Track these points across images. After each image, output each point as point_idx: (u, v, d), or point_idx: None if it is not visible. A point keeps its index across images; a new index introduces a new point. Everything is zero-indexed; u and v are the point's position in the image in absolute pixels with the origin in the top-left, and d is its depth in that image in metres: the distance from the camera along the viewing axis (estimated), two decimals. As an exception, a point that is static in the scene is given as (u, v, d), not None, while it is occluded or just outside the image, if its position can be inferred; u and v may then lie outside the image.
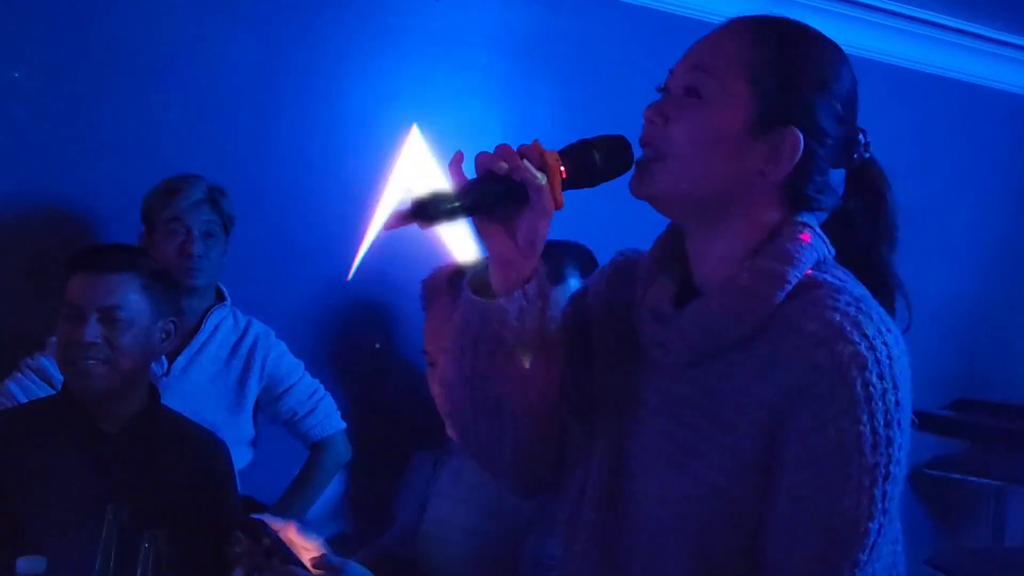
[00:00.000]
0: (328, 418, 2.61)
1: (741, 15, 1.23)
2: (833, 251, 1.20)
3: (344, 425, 2.65)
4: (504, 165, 1.12)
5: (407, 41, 2.96)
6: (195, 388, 2.42)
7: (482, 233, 1.17)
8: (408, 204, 1.11)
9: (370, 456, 2.81)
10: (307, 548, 1.66)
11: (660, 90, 1.22)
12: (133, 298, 1.91)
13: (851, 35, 3.68)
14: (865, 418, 1.06)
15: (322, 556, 1.60)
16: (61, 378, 2.03)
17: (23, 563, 1.49)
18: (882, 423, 1.07)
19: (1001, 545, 3.85)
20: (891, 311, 1.18)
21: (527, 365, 1.19)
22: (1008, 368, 3.73)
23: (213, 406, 2.41)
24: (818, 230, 1.19)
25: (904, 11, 3.69)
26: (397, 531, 2.03)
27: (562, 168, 1.15)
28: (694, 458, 1.15)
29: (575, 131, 3.31)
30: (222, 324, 2.50)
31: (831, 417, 1.06)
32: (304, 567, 1.54)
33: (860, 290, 1.14)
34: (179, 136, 2.67)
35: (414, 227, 3.05)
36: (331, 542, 2.40)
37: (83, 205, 2.56)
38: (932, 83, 3.92)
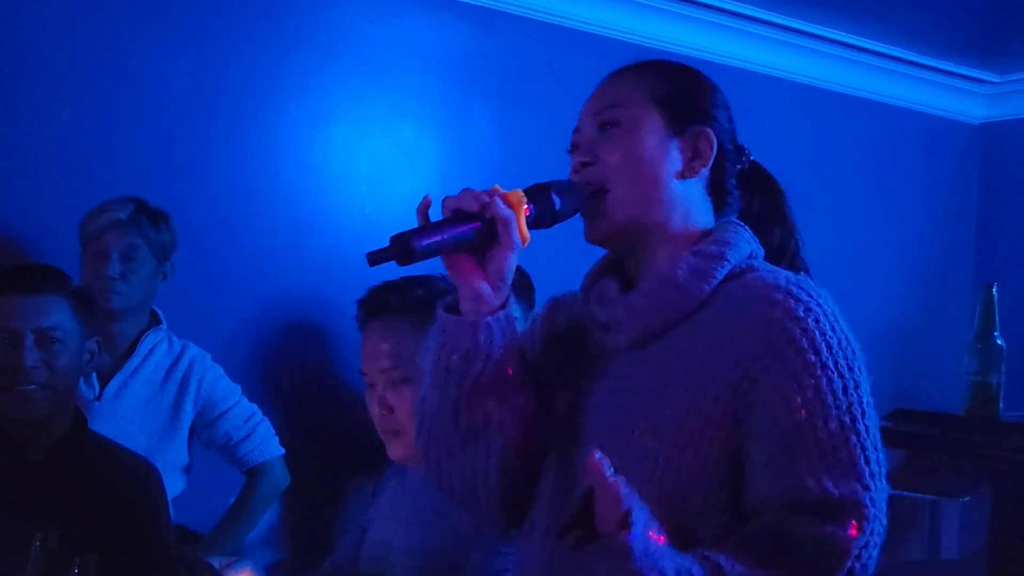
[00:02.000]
0: (265, 443, 2.56)
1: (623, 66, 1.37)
2: (763, 251, 1.30)
3: (282, 451, 2.60)
4: (475, 203, 1.19)
5: (341, 62, 2.95)
6: (128, 413, 2.36)
7: (453, 268, 1.22)
8: (387, 243, 1.16)
9: (308, 482, 2.77)
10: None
11: (571, 150, 1.33)
12: (65, 318, 1.88)
13: (779, 58, 3.76)
14: (831, 363, 1.14)
15: (256, 581, 1.57)
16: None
17: None
18: (846, 367, 1.15)
19: (936, 558, 3.92)
20: None
21: (509, 387, 1.24)
22: (939, 380, 3.81)
23: (146, 431, 2.36)
24: (747, 229, 1.30)
25: (831, 35, 3.77)
26: (337, 557, 2.01)
27: (526, 207, 1.22)
28: (649, 418, 1.19)
29: (510, 152, 3.34)
30: (156, 348, 2.45)
31: (801, 367, 1.13)
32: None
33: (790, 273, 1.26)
34: (109, 158, 2.61)
35: (348, 249, 3.01)
36: (268, 570, 2.36)
37: (7, 228, 2.50)
38: (859, 107, 4.01)
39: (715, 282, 1.22)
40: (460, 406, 1.24)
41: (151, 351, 2.44)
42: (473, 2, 3.14)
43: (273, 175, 2.85)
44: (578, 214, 1.29)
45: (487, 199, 1.20)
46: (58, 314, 1.88)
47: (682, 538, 1.13)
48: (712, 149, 1.29)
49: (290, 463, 2.65)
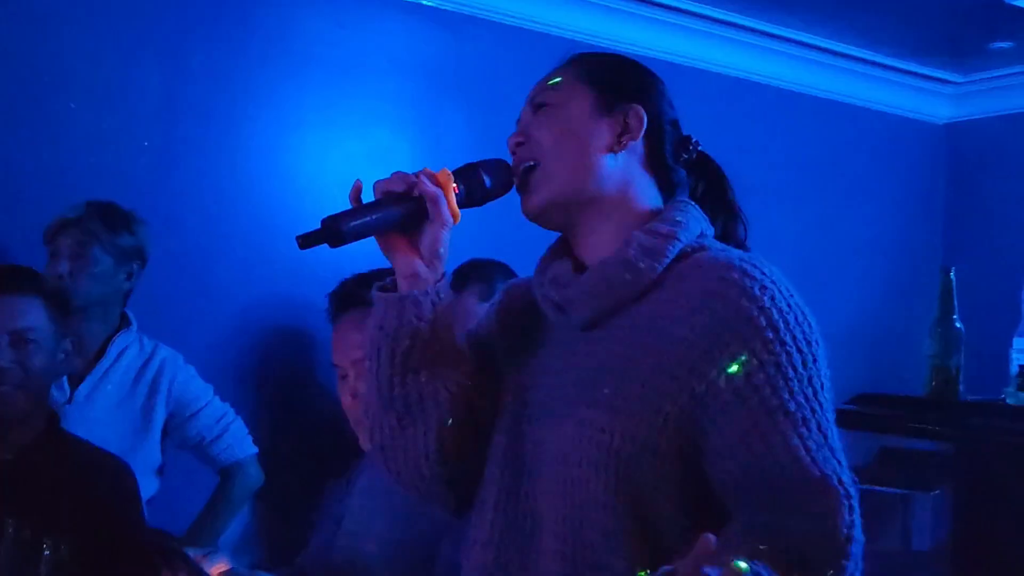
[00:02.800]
0: (238, 442, 2.57)
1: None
2: (712, 229, 1.31)
3: (255, 450, 2.61)
4: (403, 183, 1.23)
5: (313, 67, 2.97)
6: (99, 415, 2.36)
7: (388, 249, 1.25)
8: (318, 225, 1.19)
9: (284, 483, 2.77)
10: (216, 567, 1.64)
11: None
12: (40, 319, 1.88)
13: (745, 61, 3.80)
14: (789, 339, 1.15)
15: (230, 570, 1.58)
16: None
17: None
18: (804, 341, 1.16)
19: (908, 548, 3.97)
20: None
21: (444, 363, 1.25)
22: (908, 375, 3.86)
23: (119, 433, 2.35)
24: (697, 207, 1.31)
25: (797, 37, 3.82)
26: (312, 549, 2.01)
27: (454, 185, 1.25)
28: (605, 394, 1.19)
29: (483, 155, 3.37)
30: (127, 350, 2.45)
31: (760, 345, 1.14)
32: (212, 580, 1.52)
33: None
34: (81, 164, 2.62)
35: (322, 253, 3.02)
36: (245, 571, 2.36)
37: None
38: (825, 108, 4.06)
39: (667, 261, 1.23)
40: (394, 383, 1.25)
41: (121, 353, 2.44)
42: (444, 7, 3.18)
43: (245, 179, 2.87)
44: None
45: (414, 179, 1.23)
46: (34, 315, 1.88)
47: (638, 510, 1.15)
48: (641, 124, 1.30)
49: (266, 465, 2.65)
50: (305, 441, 2.83)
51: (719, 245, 1.28)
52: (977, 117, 4.31)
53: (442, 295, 1.25)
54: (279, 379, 2.89)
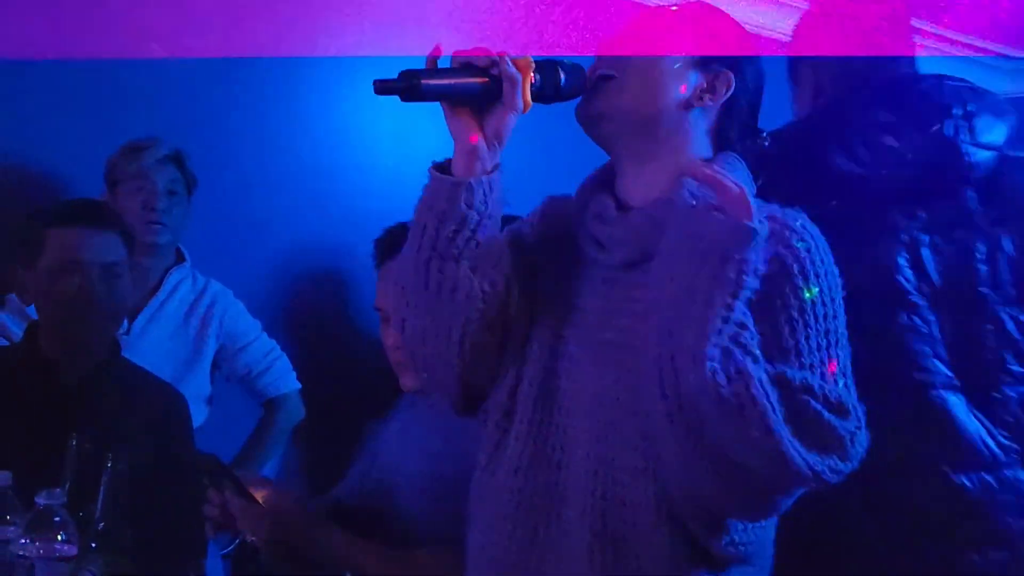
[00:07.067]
0: (283, 377, 2.67)
1: None
2: (755, 187, 1.33)
3: (299, 386, 2.71)
4: (485, 59, 1.22)
5: (369, 19, 3.02)
6: (154, 345, 2.46)
7: (453, 120, 1.25)
8: (397, 75, 1.19)
9: (326, 423, 2.86)
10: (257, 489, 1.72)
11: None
12: (122, 254, 1.98)
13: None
14: (816, 289, 1.20)
15: (272, 490, 1.65)
16: (19, 333, 2.08)
17: None
18: (828, 297, 1.22)
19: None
20: None
21: (484, 258, 1.27)
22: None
23: (171, 363, 2.45)
24: (745, 165, 1.33)
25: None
26: (347, 482, 2.10)
27: (533, 75, 1.24)
28: (632, 347, 1.23)
29: (536, 109, 3.38)
30: (181, 284, 2.55)
31: (788, 290, 1.20)
32: (255, 500, 1.60)
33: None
34: (142, 102, 2.70)
35: (373, 199, 3.04)
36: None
37: (44, 166, 2.58)
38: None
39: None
40: (431, 266, 1.26)
41: (176, 287, 2.54)
42: (502, -38, 3.20)
43: (299, 127, 2.93)
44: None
45: (497, 58, 1.23)
46: (118, 250, 1.98)
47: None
48: (727, 90, 1.32)
49: (308, 403, 2.75)
50: (346, 380, 2.91)
51: (760, 201, 1.29)
52: (1035, 93, 4.24)
53: (494, 187, 1.26)
54: (325, 321, 2.97)
